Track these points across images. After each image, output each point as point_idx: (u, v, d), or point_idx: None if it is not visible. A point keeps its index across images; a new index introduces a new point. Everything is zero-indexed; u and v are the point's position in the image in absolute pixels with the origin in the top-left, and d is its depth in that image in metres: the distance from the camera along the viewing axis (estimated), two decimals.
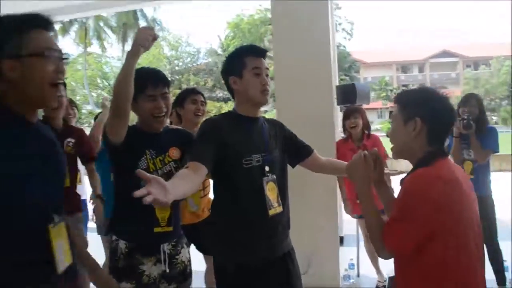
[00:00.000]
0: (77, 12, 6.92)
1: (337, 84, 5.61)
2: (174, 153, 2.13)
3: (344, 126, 4.01)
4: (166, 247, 2.09)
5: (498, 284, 3.61)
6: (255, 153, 1.98)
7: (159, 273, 2.07)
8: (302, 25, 3.86)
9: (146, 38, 1.84)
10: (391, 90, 44.19)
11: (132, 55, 1.87)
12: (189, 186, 1.64)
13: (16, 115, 1.34)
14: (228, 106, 25.10)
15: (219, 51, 35.79)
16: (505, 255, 3.76)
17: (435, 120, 1.62)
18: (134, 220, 2.01)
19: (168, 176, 1.98)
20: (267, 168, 1.99)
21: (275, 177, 2.02)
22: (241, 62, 1.99)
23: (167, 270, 2.07)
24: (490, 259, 3.58)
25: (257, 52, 2.03)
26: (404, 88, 46.78)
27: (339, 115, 4.87)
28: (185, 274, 2.19)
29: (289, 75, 3.89)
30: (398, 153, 1.71)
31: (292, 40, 3.89)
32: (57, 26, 15.74)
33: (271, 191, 1.99)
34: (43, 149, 1.40)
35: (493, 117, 37.99)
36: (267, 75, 2.02)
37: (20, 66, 1.31)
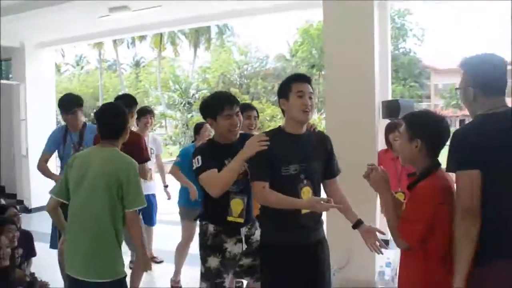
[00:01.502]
0: (161, 28, 7.84)
1: (389, 92, 5.95)
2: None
3: (387, 138, 4.38)
4: (244, 230, 2.77)
5: None
6: (293, 164, 2.46)
7: (239, 251, 2.74)
8: (350, 36, 4.26)
9: (255, 145, 2.44)
10: None
11: (241, 157, 2.50)
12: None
13: None
14: None
15: (288, 56, 36.28)
16: None
17: (433, 140, 2.13)
18: (218, 211, 2.69)
19: (244, 174, 2.64)
20: (302, 176, 2.48)
21: (310, 183, 2.51)
22: (288, 87, 2.49)
23: (244, 248, 2.75)
24: None
25: (301, 79, 2.54)
26: None
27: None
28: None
29: (338, 86, 4.33)
30: (405, 162, 2.28)
31: (341, 52, 4.31)
32: (135, 34, 16.99)
33: (305, 194, 2.48)
34: None
35: None
36: (310, 98, 2.49)
37: None
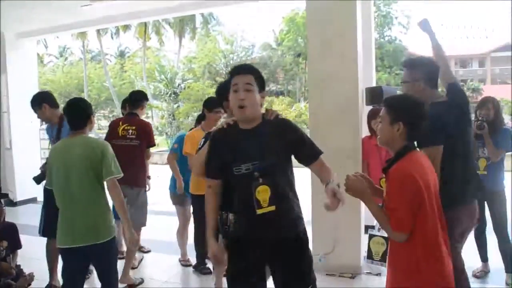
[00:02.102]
0: (145, 17, 7.79)
1: (373, 80, 6.00)
2: None
3: (369, 124, 4.42)
4: None
5: (506, 271, 3.95)
6: (246, 162, 2.26)
7: None
8: (332, 25, 4.28)
9: None
10: None
11: None
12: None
13: None
14: (279, 100, 25.51)
15: (274, 45, 36.19)
16: None
17: (414, 124, 2.17)
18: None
19: None
20: (256, 174, 2.25)
21: (267, 181, 2.26)
22: (229, 82, 2.33)
23: None
24: (500, 248, 3.95)
25: (237, 70, 2.30)
26: (462, 84, 45.36)
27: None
28: None
29: (320, 74, 4.34)
30: (383, 144, 2.29)
31: (323, 40, 4.32)
32: (119, 24, 16.82)
33: (260, 193, 2.27)
34: None
35: None
36: (248, 91, 2.23)
37: None
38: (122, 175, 3.09)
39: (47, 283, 4.10)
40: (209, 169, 2.42)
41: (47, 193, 3.71)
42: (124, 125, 4.58)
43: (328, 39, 4.29)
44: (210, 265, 4.38)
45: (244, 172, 2.27)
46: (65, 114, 3.32)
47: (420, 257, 2.09)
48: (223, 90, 2.75)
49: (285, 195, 2.34)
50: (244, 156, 2.28)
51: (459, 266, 2.69)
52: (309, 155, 2.42)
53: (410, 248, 2.09)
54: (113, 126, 4.69)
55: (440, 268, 2.12)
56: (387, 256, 2.34)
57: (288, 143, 2.32)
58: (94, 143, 3.11)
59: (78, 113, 3.19)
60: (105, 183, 3.06)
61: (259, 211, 2.26)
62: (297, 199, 2.44)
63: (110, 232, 3.06)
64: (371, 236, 2.39)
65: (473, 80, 45.25)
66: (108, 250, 3.06)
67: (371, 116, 4.36)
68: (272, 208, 2.29)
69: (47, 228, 3.88)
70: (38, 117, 4.51)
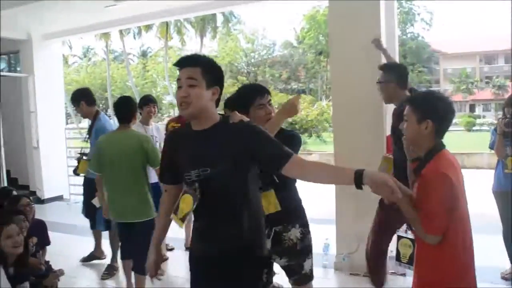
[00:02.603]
0: (167, 16, 7.89)
1: None
2: None
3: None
4: (277, 228, 2.60)
5: None
6: (195, 169, 1.96)
7: (268, 248, 2.33)
8: (355, 23, 4.23)
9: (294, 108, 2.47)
10: (472, 83, 42.13)
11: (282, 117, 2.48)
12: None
13: None
14: (301, 99, 25.41)
15: (295, 43, 36.13)
16: None
17: (442, 121, 2.11)
18: None
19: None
20: (196, 185, 1.95)
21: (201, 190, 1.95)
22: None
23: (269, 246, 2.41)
24: None
25: (179, 63, 2.01)
26: (487, 80, 44.47)
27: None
28: (295, 250, 2.64)
29: (343, 71, 4.31)
30: (411, 143, 2.21)
31: (347, 38, 4.28)
32: (142, 23, 17.01)
33: (185, 201, 2.00)
34: None
35: None
36: (191, 86, 1.92)
37: None
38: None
39: (76, 279, 4.28)
40: (162, 172, 2.23)
41: (87, 182, 4.64)
42: (172, 123, 4.88)
43: (351, 37, 4.25)
44: None
45: (194, 179, 1.96)
46: (114, 109, 3.82)
47: (450, 259, 2.03)
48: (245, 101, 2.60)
49: (226, 205, 1.98)
50: (194, 160, 1.97)
51: (385, 248, 3.58)
52: (275, 159, 1.91)
53: (441, 249, 2.02)
54: (167, 124, 5.03)
55: (467, 270, 2.08)
56: (413, 259, 2.25)
57: (246, 148, 1.92)
58: (140, 136, 3.75)
59: (127, 109, 3.76)
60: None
61: (173, 217, 2.08)
62: (256, 212, 2.06)
63: (148, 214, 3.59)
64: (399, 238, 2.30)
65: (499, 77, 44.32)
66: (144, 229, 3.37)
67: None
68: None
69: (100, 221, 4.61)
70: (77, 113, 4.87)
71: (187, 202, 1.98)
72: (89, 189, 4.50)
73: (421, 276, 2.16)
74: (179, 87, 1.95)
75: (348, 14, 4.26)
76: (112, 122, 5.16)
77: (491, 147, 4.09)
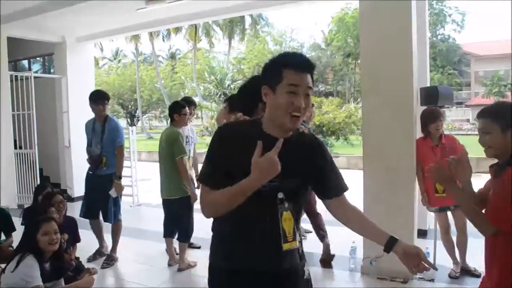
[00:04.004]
0: (196, 19, 8.00)
1: (428, 80, 5.85)
2: None
3: (425, 126, 4.29)
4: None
5: None
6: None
7: None
8: (386, 25, 4.19)
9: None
10: (505, 86, 40.99)
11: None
12: None
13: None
14: (329, 101, 25.29)
15: (323, 45, 35.95)
16: None
17: None
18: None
19: None
20: (280, 195, 1.72)
21: (286, 205, 1.73)
22: (279, 74, 1.66)
23: None
24: None
25: (299, 66, 1.67)
26: None
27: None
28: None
29: (374, 74, 4.26)
30: (495, 154, 2.18)
31: (377, 40, 4.24)
32: (171, 26, 17.25)
33: (286, 222, 1.75)
34: None
35: None
36: (307, 96, 1.68)
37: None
38: (185, 154, 4.60)
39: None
40: (212, 177, 1.73)
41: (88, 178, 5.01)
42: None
43: (381, 38, 4.21)
44: None
45: (263, 190, 1.64)
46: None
47: None
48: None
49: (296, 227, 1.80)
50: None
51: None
52: (339, 185, 1.86)
53: None
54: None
55: None
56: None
57: (316, 167, 1.80)
58: (171, 132, 4.66)
59: (170, 111, 4.76)
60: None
61: (285, 247, 1.72)
62: None
63: (179, 193, 4.60)
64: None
65: None
66: (178, 204, 4.61)
67: (431, 118, 4.23)
68: (295, 244, 1.77)
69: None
70: (96, 111, 4.88)
71: (288, 219, 1.74)
72: (89, 185, 5.01)
73: (497, 278, 2.14)
74: (291, 92, 1.64)
75: (379, 15, 4.22)
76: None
77: None
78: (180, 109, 4.79)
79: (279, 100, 1.65)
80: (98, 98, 4.86)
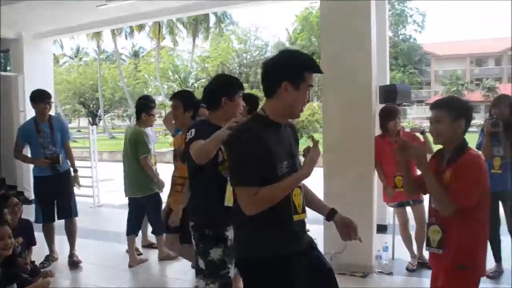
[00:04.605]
0: (159, 16, 7.89)
1: (387, 78, 5.97)
2: None
3: (384, 124, 4.39)
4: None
5: None
6: (285, 160, 2.00)
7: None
8: (347, 25, 4.25)
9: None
10: (463, 85, 42.42)
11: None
12: None
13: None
14: None
15: (287, 44, 36.13)
16: None
17: (469, 120, 2.41)
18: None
19: None
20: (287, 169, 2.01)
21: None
22: (301, 75, 1.97)
23: None
24: None
25: (317, 70, 2.03)
26: (478, 82, 44.83)
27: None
28: None
29: (334, 73, 4.28)
30: (442, 142, 2.46)
31: (337, 39, 4.30)
32: (134, 23, 16.98)
33: (297, 197, 2.02)
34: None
35: None
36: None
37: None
38: (149, 154, 4.61)
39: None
40: (257, 176, 1.91)
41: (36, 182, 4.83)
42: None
43: (342, 37, 4.27)
44: None
45: (285, 171, 1.98)
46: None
47: (480, 238, 2.38)
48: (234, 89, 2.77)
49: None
50: (284, 152, 2.02)
51: None
52: (299, 162, 2.17)
53: (475, 229, 2.34)
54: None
55: (486, 249, 2.43)
56: (443, 243, 2.41)
57: (297, 145, 2.19)
58: (136, 132, 4.66)
59: (137, 109, 4.77)
60: None
61: (295, 217, 1.99)
62: None
63: (146, 191, 4.68)
64: (429, 225, 2.47)
65: (489, 78, 44.71)
66: (147, 202, 4.71)
67: (388, 116, 4.32)
68: (305, 216, 2.06)
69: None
70: (43, 110, 4.77)
71: (298, 194, 2.02)
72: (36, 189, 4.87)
73: (452, 256, 2.35)
74: (307, 91, 2.01)
75: (339, 14, 4.28)
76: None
77: (478, 148, 4.13)
78: (149, 109, 4.76)
79: (301, 96, 1.98)
80: (45, 97, 4.77)
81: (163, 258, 4.89)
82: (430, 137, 2.72)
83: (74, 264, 4.79)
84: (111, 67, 37.87)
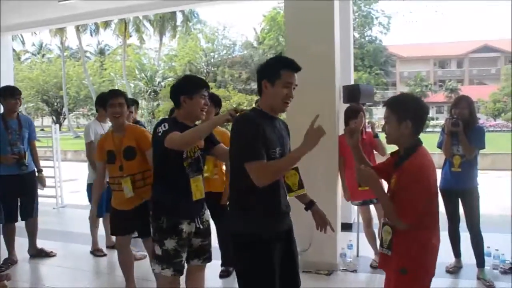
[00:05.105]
0: (125, 13, 7.72)
1: (351, 79, 6.06)
2: (201, 143, 2.83)
3: (347, 123, 4.44)
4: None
5: (477, 266, 4.04)
6: (277, 146, 2.31)
7: (192, 230, 2.81)
8: (310, 25, 4.27)
9: (226, 114, 2.46)
10: (427, 86, 43.47)
11: (215, 121, 2.64)
12: None
13: None
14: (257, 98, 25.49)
15: (255, 44, 36.16)
16: (490, 244, 4.22)
17: (418, 121, 2.32)
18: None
19: (196, 161, 2.79)
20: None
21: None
22: (277, 73, 2.27)
23: (201, 227, 2.84)
24: (473, 244, 4.04)
25: (294, 68, 2.33)
26: (441, 84, 46.07)
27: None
28: (208, 231, 2.97)
29: (298, 72, 4.35)
30: (392, 142, 2.41)
31: (302, 39, 4.32)
32: (99, 20, 16.64)
33: (290, 178, 2.58)
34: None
35: None
36: (293, 89, 2.34)
37: None
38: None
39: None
40: (262, 152, 2.21)
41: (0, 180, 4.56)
42: None
43: (306, 37, 4.29)
44: None
45: (277, 156, 2.30)
46: None
47: (427, 244, 2.30)
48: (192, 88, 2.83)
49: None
50: (276, 139, 2.33)
51: None
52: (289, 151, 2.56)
53: (423, 236, 2.28)
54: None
55: (435, 255, 2.33)
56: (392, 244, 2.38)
57: (288, 136, 2.55)
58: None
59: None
60: None
61: (290, 195, 2.47)
62: None
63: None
64: (383, 225, 2.45)
65: (451, 80, 46.01)
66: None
67: (350, 115, 4.38)
68: (304, 191, 2.63)
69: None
70: (13, 107, 4.66)
71: (293, 176, 2.55)
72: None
73: (396, 259, 2.32)
74: (287, 87, 2.29)
75: (303, 14, 4.30)
76: None
77: (439, 147, 4.24)
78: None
79: (277, 92, 2.28)
80: (15, 93, 4.66)
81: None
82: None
83: (39, 254, 4.81)
84: (75, 65, 37.00)
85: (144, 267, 4.31)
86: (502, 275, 4.13)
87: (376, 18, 36.98)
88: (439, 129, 4.58)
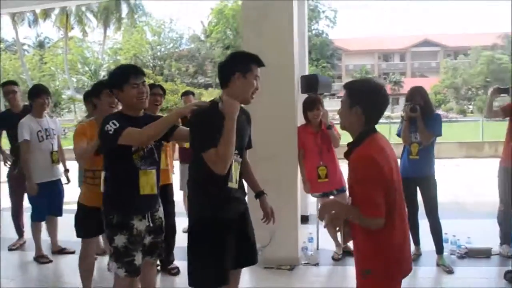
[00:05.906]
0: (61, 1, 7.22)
1: (306, 72, 6.00)
2: None
3: (305, 114, 4.35)
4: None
5: (437, 252, 4.08)
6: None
7: (144, 227, 2.72)
8: (269, 22, 4.17)
9: (191, 106, 2.49)
10: None
11: (178, 113, 2.57)
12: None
13: None
14: (208, 93, 25.28)
15: (202, 37, 35.74)
16: (447, 230, 4.28)
17: (371, 109, 2.11)
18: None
19: (150, 152, 2.69)
20: (236, 152, 2.43)
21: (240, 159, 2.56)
22: (249, 66, 2.45)
23: (151, 225, 2.76)
24: (432, 231, 4.07)
25: (261, 64, 2.52)
26: (385, 76, 47.57)
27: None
28: (162, 228, 2.88)
29: None
30: (344, 128, 2.21)
31: (259, 31, 4.19)
32: (38, 10, 15.77)
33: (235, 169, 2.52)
34: None
35: (469, 106, 38.81)
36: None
37: None
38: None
39: None
40: (216, 138, 2.33)
41: None
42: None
43: (264, 34, 4.18)
44: None
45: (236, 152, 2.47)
46: None
47: (383, 244, 2.05)
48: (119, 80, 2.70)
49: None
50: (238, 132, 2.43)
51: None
52: (249, 141, 2.75)
53: (377, 235, 2.02)
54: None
55: (398, 255, 2.10)
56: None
57: (249, 128, 2.70)
58: None
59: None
60: None
61: (230, 185, 2.48)
62: None
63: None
64: (345, 222, 2.27)
65: (395, 73, 47.63)
66: None
67: (308, 106, 4.29)
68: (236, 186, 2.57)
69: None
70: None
71: (236, 168, 2.54)
72: None
73: (360, 260, 2.16)
74: (255, 81, 2.46)
75: (261, 13, 4.19)
76: None
77: (398, 135, 4.24)
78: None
79: (249, 84, 2.44)
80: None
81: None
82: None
83: None
84: (12, 58, 35.02)
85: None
86: (459, 260, 4.22)
87: (323, 11, 37.58)
88: (383, 120, 4.60)
